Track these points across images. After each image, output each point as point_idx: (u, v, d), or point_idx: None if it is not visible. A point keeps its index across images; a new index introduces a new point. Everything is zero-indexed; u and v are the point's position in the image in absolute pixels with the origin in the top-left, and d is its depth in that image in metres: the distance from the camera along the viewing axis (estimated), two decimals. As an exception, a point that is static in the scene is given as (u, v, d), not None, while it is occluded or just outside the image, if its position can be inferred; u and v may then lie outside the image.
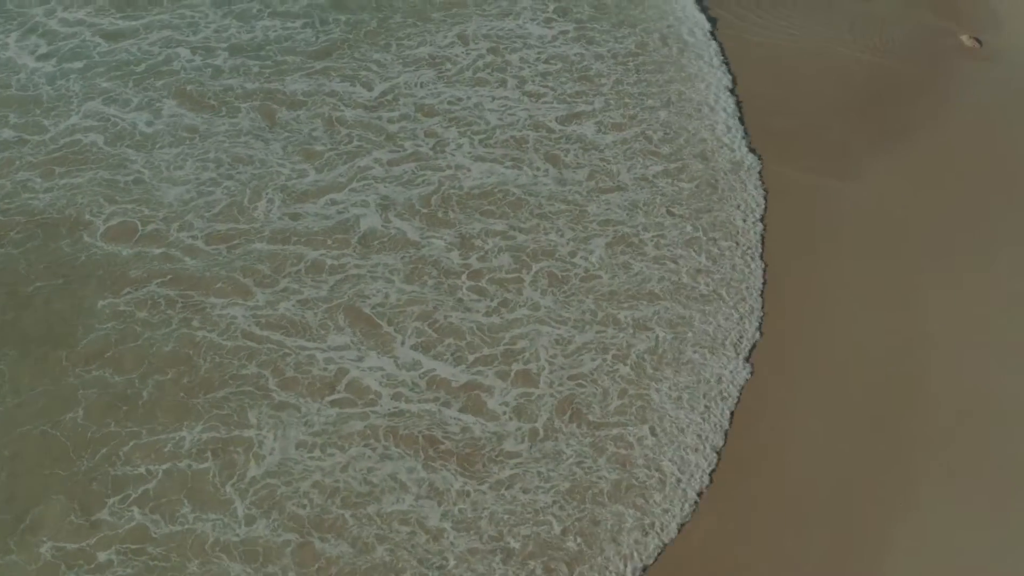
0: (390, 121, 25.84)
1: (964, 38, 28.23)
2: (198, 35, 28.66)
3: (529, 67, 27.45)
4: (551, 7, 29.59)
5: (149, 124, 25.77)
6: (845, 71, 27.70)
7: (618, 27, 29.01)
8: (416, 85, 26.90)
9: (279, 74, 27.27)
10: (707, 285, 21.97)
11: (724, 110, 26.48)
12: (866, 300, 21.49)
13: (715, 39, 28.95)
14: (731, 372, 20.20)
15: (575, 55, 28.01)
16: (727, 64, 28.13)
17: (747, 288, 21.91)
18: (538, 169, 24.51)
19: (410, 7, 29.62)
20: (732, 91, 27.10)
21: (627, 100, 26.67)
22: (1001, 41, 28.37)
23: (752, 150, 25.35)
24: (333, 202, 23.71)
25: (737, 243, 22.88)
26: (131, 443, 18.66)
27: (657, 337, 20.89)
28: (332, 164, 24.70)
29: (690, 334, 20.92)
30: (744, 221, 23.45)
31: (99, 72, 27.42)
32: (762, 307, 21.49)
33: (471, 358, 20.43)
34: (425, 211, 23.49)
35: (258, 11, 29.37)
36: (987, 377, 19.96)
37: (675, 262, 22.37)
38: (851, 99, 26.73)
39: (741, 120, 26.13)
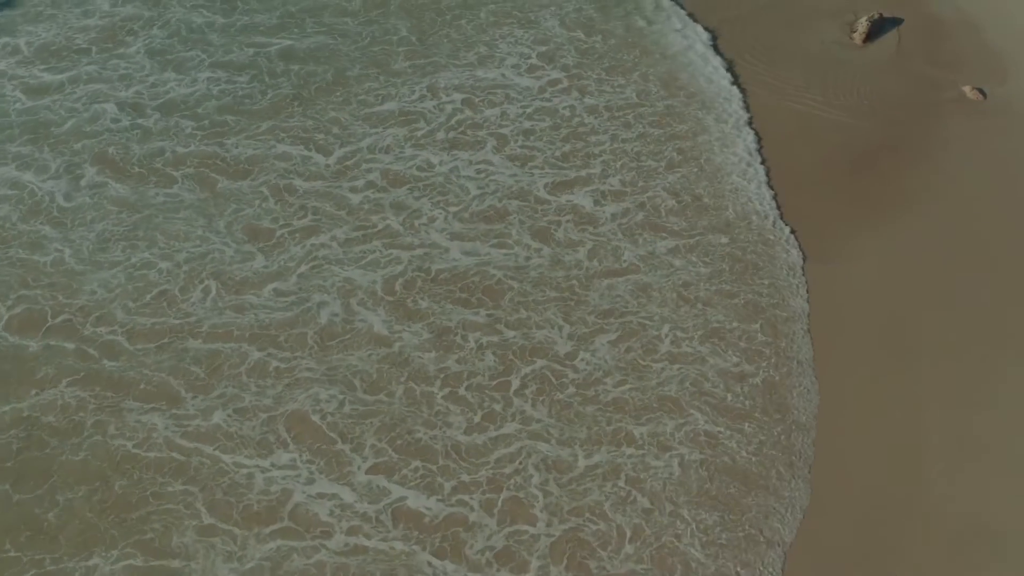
0: (352, 191, 22.15)
1: (966, 89, 25.19)
2: (130, 89, 24.96)
3: (512, 124, 23.82)
4: (534, 53, 26.09)
5: (68, 197, 21.99)
6: (834, 133, 24.13)
7: (613, 73, 25.41)
8: (381, 148, 23.20)
9: (219, 135, 23.56)
10: (741, 393, 18.24)
11: (745, 171, 22.75)
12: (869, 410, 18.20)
13: (735, 86, 25.20)
14: (780, 505, 16.55)
15: (565, 109, 24.37)
16: (749, 120, 24.39)
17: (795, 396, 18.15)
18: (526, 247, 20.78)
19: (371, 57, 25.92)
20: (759, 150, 23.46)
21: (628, 162, 22.99)
22: (1007, 91, 25.15)
23: (786, 222, 21.66)
24: (282, 291, 19.98)
25: (774, 334, 19.16)
26: (32, 572, 15.65)
27: (681, 459, 17.28)
28: (283, 244, 20.96)
29: (724, 458, 17.33)
30: (779, 307, 19.76)
31: (15, 133, 23.67)
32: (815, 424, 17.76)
33: (447, 486, 16.74)
34: (392, 299, 19.81)
35: (198, 62, 25.74)
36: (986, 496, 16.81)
37: (698, 362, 18.73)
38: (841, 166, 23.08)
39: (769, 184, 22.53)
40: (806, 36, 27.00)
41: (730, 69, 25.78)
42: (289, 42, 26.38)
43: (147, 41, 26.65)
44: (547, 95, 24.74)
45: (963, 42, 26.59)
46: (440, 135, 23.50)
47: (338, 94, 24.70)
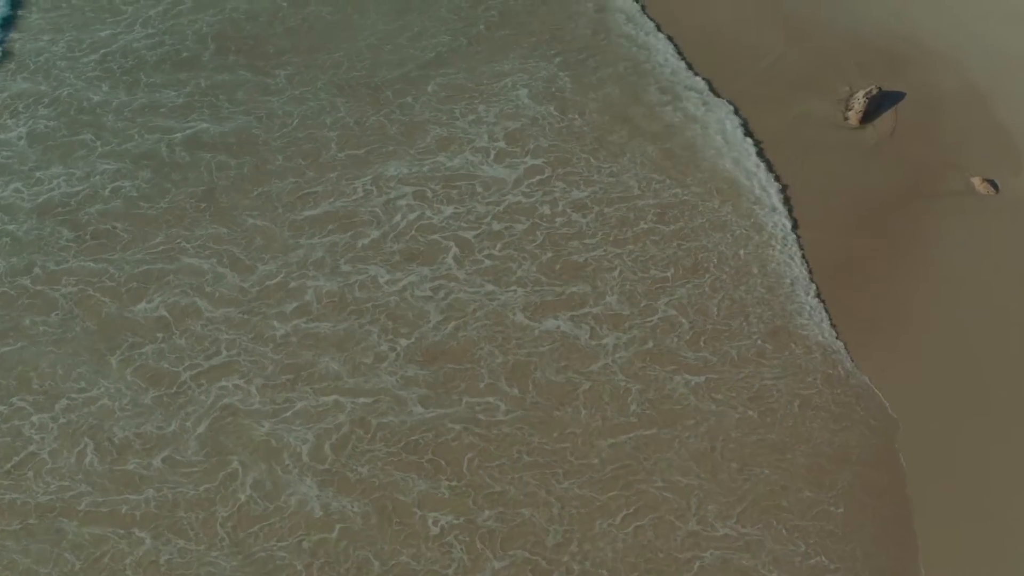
0: (279, 319, 17.76)
1: (975, 181, 22.19)
2: (6, 186, 20.25)
3: (478, 228, 19.66)
4: (501, 134, 21.96)
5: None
6: (820, 234, 20.39)
7: (601, 154, 21.44)
8: (313, 263, 18.88)
9: (106, 247, 19.10)
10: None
11: (780, 281, 18.48)
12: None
13: (763, 163, 21.45)
14: None
15: (546, 204, 20.29)
16: (786, 202, 20.56)
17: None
18: (500, 393, 16.63)
19: (298, 144, 21.48)
20: (796, 238, 19.55)
21: (629, 275, 18.74)
22: (1022, 184, 22.05)
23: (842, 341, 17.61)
24: (186, 457, 15.41)
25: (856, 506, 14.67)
26: None
27: None
28: (187, 392, 16.43)
29: None
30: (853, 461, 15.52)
31: None
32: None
33: None
34: (326, 466, 15.43)
35: (89, 150, 21.07)
36: None
37: (744, 550, 14.32)
38: (832, 278, 19.40)
39: (819, 296, 18.52)
40: (795, 115, 23.74)
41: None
42: (199, 126, 22.00)
43: (30, 124, 21.98)
44: (523, 187, 20.66)
45: (971, 120, 23.61)
46: (389, 244, 19.24)
47: (258, 193, 20.31)
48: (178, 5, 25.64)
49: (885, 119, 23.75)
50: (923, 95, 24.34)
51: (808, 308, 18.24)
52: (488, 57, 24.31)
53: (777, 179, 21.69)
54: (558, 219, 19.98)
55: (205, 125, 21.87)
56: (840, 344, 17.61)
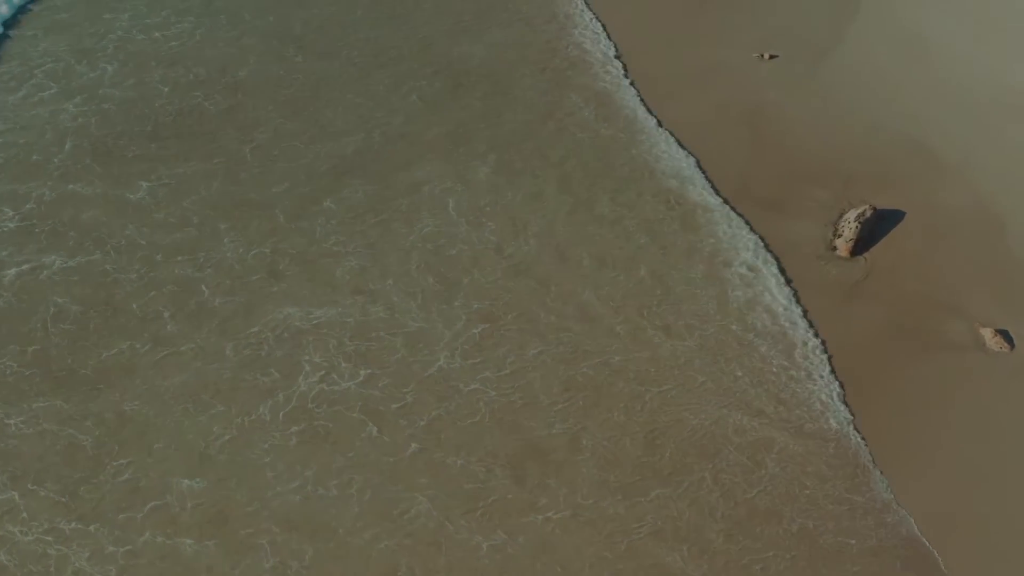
0: (125, 529, 13.56)
1: (986, 334, 18.00)
2: None
3: (401, 400, 15.56)
4: (429, 269, 18.00)
5: None
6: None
7: (552, 292, 17.76)
8: (177, 451, 14.70)
9: None
10: None
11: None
12: None
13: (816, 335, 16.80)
14: None
15: (490, 366, 16.38)
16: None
17: None
18: None
19: (159, 285, 17.13)
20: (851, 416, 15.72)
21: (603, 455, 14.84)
22: None
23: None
24: None
25: None
26: None
27: None
28: None
29: None
30: None
31: None
32: None
33: None
34: None
35: None
36: None
37: None
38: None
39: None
40: (772, 244, 19.69)
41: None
42: (36, 260, 17.56)
43: None
44: (461, 343, 16.35)
45: (982, 250, 19.62)
46: (281, 424, 14.84)
47: (104, 357, 15.80)
48: (41, 91, 21.30)
49: (880, 250, 19.75)
50: (926, 216, 20.39)
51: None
52: (406, 160, 20.25)
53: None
54: (507, 385, 15.93)
55: (44, 259, 17.59)
56: None
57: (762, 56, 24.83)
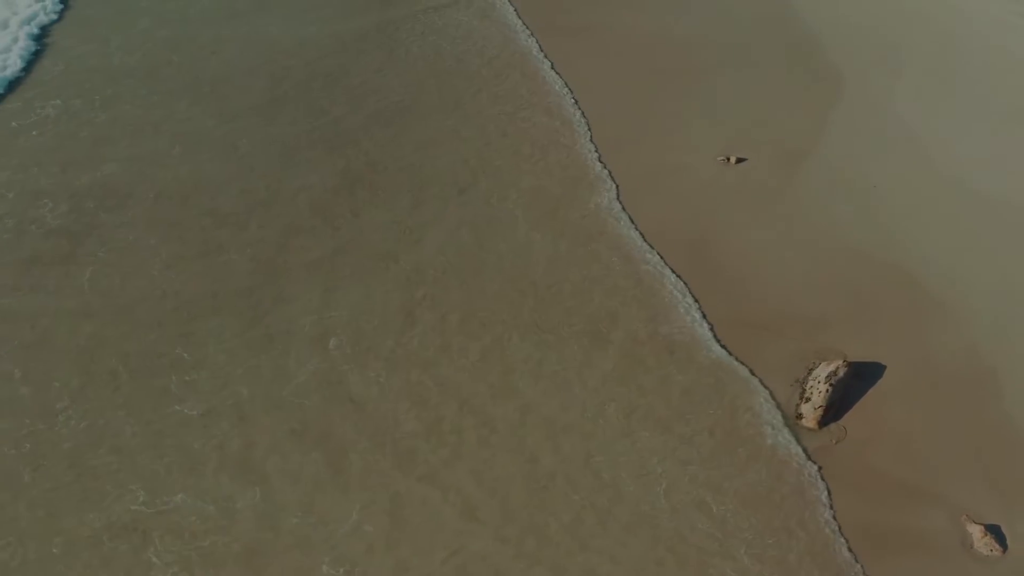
0: None
1: (976, 532, 14.57)
2: None
3: None
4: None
5: None
6: None
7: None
8: None
9: None
10: None
11: None
12: None
13: None
14: None
15: None
16: None
17: None
18: None
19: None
20: None
21: None
22: None
23: None
24: None
25: None
26: None
27: None
28: None
29: None
30: None
31: None
32: None
33: None
34: None
35: None
36: None
37: None
38: None
39: None
40: (723, 416, 16.63)
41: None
42: None
43: None
44: None
45: (975, 417, 16.48)
46: None
47: None
48: None
49: (853, 417, 16.71)
50: (908, 371, 17.33)
51: None
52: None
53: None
54: None
55: None
56: None
57: (727, 160, 21.90)
